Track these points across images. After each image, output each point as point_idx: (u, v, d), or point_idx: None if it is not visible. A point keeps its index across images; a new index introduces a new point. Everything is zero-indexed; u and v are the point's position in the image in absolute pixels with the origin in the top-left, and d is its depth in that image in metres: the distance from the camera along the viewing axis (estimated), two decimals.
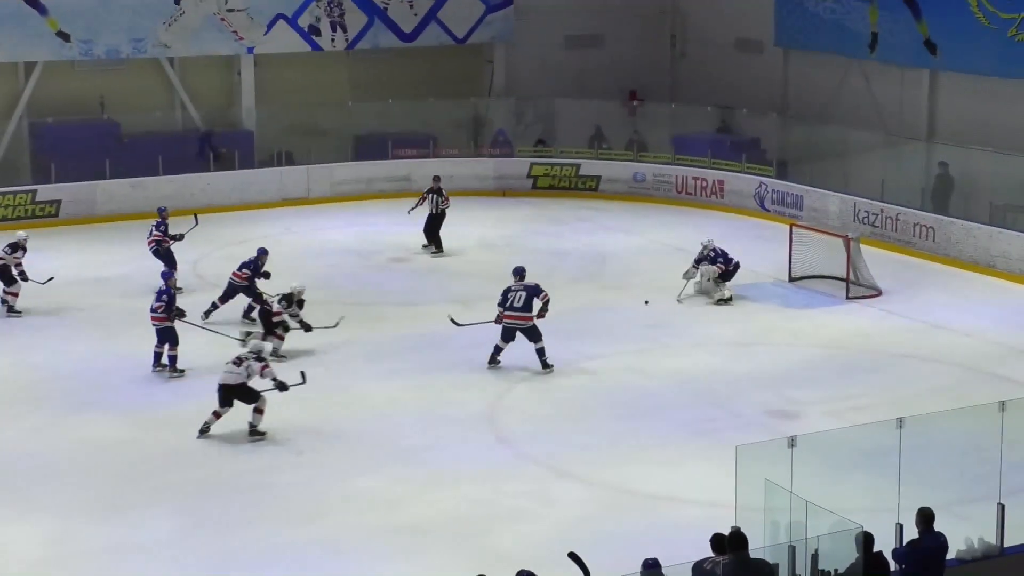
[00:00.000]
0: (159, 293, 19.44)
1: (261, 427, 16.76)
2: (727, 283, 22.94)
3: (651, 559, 10.78)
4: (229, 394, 16.67)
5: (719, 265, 22.93)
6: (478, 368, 19.30)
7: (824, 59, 31.05)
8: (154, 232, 23.75)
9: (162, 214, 24.16)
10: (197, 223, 24.39)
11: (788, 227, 24.64)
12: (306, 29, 32.13)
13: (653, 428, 17.05)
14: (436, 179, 26.80)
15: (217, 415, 16.70)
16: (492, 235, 27.64)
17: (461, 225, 27.02)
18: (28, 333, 21.13)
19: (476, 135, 33.68)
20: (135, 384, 18.73)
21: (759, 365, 19.53)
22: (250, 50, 31.82)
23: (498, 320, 19.52)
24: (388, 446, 16.51)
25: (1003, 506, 12.30)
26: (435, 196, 26.46)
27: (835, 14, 30.25)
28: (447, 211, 26.38)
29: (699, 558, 11.10)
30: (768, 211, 28.74)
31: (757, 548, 11.07)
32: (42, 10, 29.48)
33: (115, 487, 15.31)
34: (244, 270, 21.64)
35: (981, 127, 26.97)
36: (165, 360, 19.20)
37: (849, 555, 11.17)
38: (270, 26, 31.71)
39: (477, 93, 34.50)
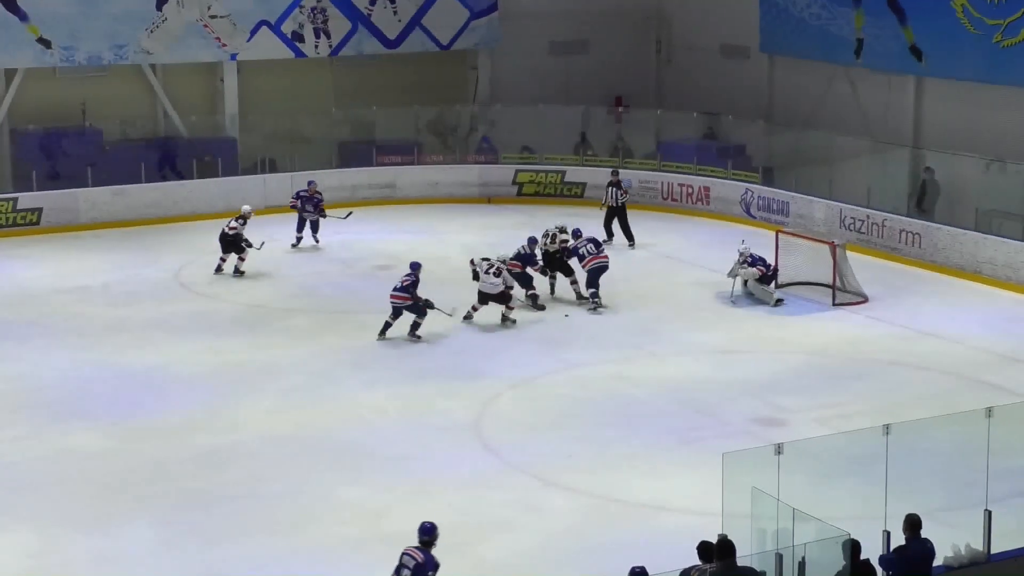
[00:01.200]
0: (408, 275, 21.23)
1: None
2: (770, 286, 23.07)
3: (638, 567, 10.80)
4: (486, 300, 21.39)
5: (759, 268, 23.02)
6: (464, 376, 19.32)
7: (810, 65, 31.14)
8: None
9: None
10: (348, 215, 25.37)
11: (774, 234, 24.67)
12: (289, 36, 32.12)
13: (640, 436, 17.07)
14: (614, 172, 27.58)
15: (476, 309, 21.44)
16: (477, 242, 27.60)
17: (445, 232, 27.05)
18: (9, 342, 21.05)
19: (460, 142, 33.69)
20: (117, 394, 18.69)
21: (746, 373, 19.56)
22: (233, 57, 31.81)
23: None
24: (374, 455, 16.50)
25: (990, 513, 12.33)
26: (614, 189, 27.18)
27: (820, 20, 30.33)
28: (625, 203, 27.28)
29: (686, 566, 11.12)
30: (754, 218, 28.80)
31: (744, 556, 11.10)
32: (23, 16, 29.44)
33: (97, 498, 15.27)
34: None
35: (967, 133, 27.07)
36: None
37: (836, 562, 11.21)
38: (253, 32, 31.70)
39: (461, 100, 34.53)
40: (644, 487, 15.45)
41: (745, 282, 23.41)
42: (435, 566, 11.56)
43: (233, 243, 24.80)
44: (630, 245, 27.04)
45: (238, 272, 24.83)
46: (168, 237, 28.16)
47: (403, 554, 11.65)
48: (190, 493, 15.38)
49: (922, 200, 27.05)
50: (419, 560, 11.57)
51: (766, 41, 32.21)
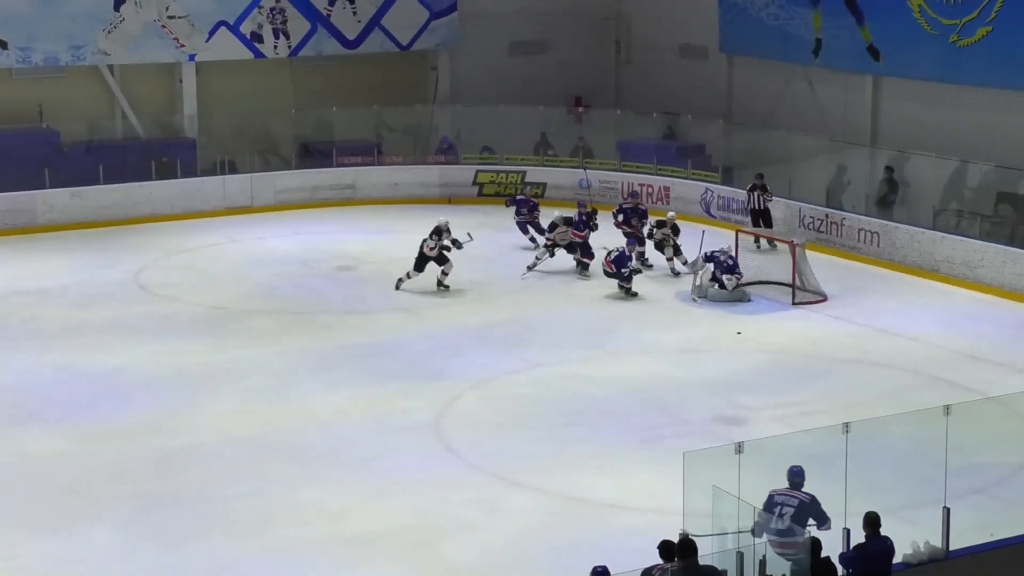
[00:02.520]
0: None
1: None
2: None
3: (600, 567, 10.81)
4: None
5: (737, 276, 23.07)
6: (425, 376, 19.31)
7: (768, 65, 31.28)
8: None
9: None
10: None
11: (734, 233, 24.77)
12: (248, 36, 32.01)
13: (601, 436, 17.10)
14: (759, 176, 27.42)
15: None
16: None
17: (406, 233, 26.98)
18: None
19: (421, 142, 33.66)
20: (77, 396, 18.58)
21: (706, 371, 19.63)
22: (191, 57, 31.68)
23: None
24: (335, 456, 16.47)
25: (948, 510, 12.42)
26: (758, 194, 27.06)
27: (779, 20, 30.48)
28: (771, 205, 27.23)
29: (648, 565, 11.15)
30: (714, 217, 28.90)
31: (705, 554, 11.14)
32: None
33: (56, 501, 15.17)
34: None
35: (924, 132, 27.26)
36: None
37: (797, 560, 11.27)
38: (212, 33, 31.57)
39: (422, 100, 34.50)
40: (605, 486, 15.48)
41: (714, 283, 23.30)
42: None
43: (437, 259, 23.80)
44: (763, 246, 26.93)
45: (442, 286, 23.76)
46: (127, 239, 28.02)
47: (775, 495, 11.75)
48: (151, 495, 15.30)
49: (885, 199, 27.20)
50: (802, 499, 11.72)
51: (725, 41, 32.33)
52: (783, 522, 11.70)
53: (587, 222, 25.10)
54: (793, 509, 11.79)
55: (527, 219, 27.25)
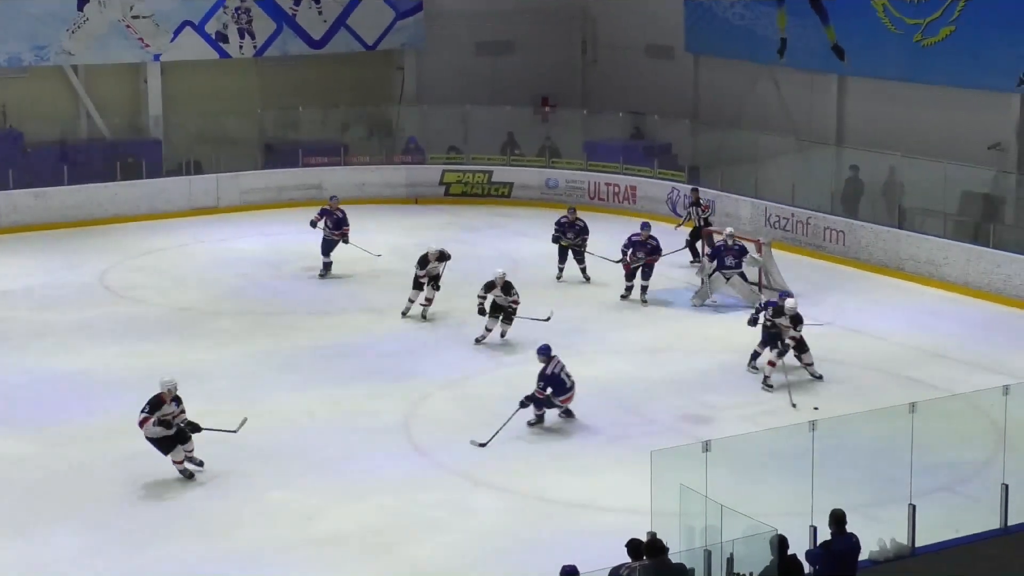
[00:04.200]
0: None
1: None
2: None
3: (569, 566, 10.87)
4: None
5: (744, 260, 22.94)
6: (393, 377, 19.32)
7: (734, 65, 31.39)
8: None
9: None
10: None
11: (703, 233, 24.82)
12: (213, 36, 31.93)
13: (569, 435, 17.15)
14: (695, 190, 26.71)
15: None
16: (404, 243, 27.55)
17: (372, 233, 26.99)
18: None
19: (387, 142, 33.63)
20: (41, 399, 18.50)
21: (673, 371, 19.70)
22: (156, 57, 31.57)
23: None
24: (302, 457, 16.46)
25: (914, 507, 12.53)
26: (696, 209, 26.15)
27: (744, 20, 30.59)
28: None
29: (616, 564, 11.20)
30: (680, 216, 28.92)
31: (673, 553, 11.21)
32: None
33: (20, 504, 15.12)
34: None
35: (889, 131, 27.42)
36: None
37: (764, 558, 11.34)
38: (176, 33, 31.47)
39: (388, 100, 34.48)
40: (573, 486, 15.53)
41: (727, 279, 23.12)
42: None
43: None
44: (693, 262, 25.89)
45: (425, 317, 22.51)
46: (92, 240, 27.89)
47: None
48: (116, 497, 15.27)
49: (850, 198, 27.35)
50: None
51: (691, 41, 32.43)
52: None
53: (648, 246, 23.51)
54: None
55: (580, 245, 25.05)
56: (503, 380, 19.28)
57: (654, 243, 23.59)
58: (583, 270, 24.77)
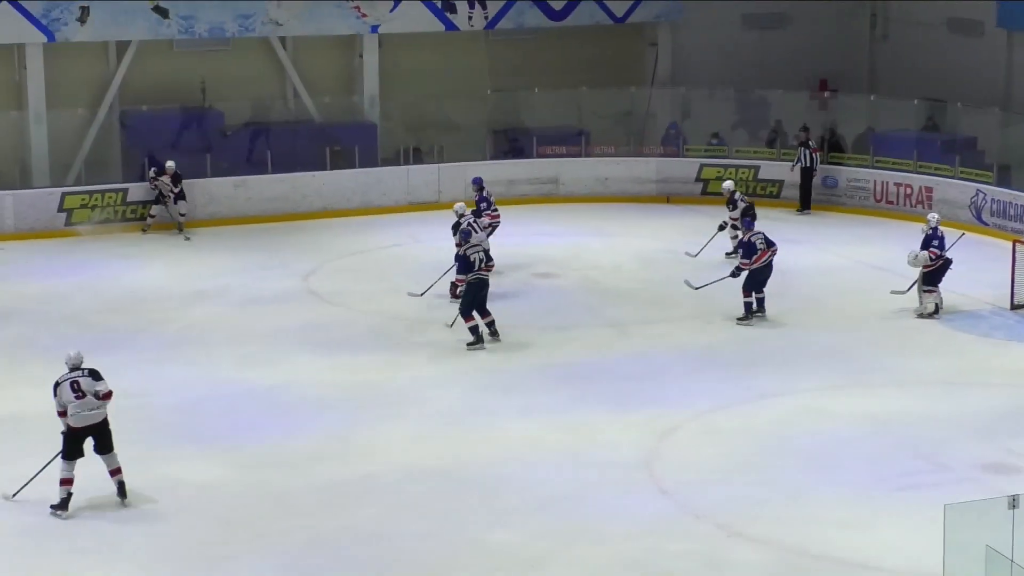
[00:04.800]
0: None
1: None
2: (936, 287, 22.88)
3: None
4: None
5: (932, 250, 22.73)
6: (634, 404, 19.31)
7: None
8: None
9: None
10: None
11: (1011, 244, 24.27)
12: (439, 5, 32.45)
13: (844, 482, 16.89)
14: (804, 129, 29.36)
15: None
16: (652, 248, 27.62)
17: (617, 236, 27.10)
18: (115, 353, 21.52)
19: (635, 131, 33.71)
20: (236, 415, 19.02)
21: (973, 409, 19.26)
22: (374, 29, 32.23)
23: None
24: (528, 494, 16.56)
25: None
26: (804, 150, 28.63)
27: None
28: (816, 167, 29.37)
29: None
30: (986, 224, 28.35)
31: None
32: None
33: (210, 535, 15.54)
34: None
35: None
36: None
37: None
38: (397, 1, 32.07)
39: (637, 81, 34.55)
40: (847, 541, 15.29)
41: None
42: None
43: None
44: (802, 211, 29.04)
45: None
46: (296, 236, 28.66)
47: None
48: (317, 532, 15.59)
49: None
50: None
51: (1005, 14, 31.72)
52: None
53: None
54: None
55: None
56: (763, 413, 19.12)
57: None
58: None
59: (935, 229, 23.28)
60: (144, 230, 28.79)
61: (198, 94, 31.48)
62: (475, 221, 23.82)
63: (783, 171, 31.24)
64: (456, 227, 23.49)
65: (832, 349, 21.74)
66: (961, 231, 25.64)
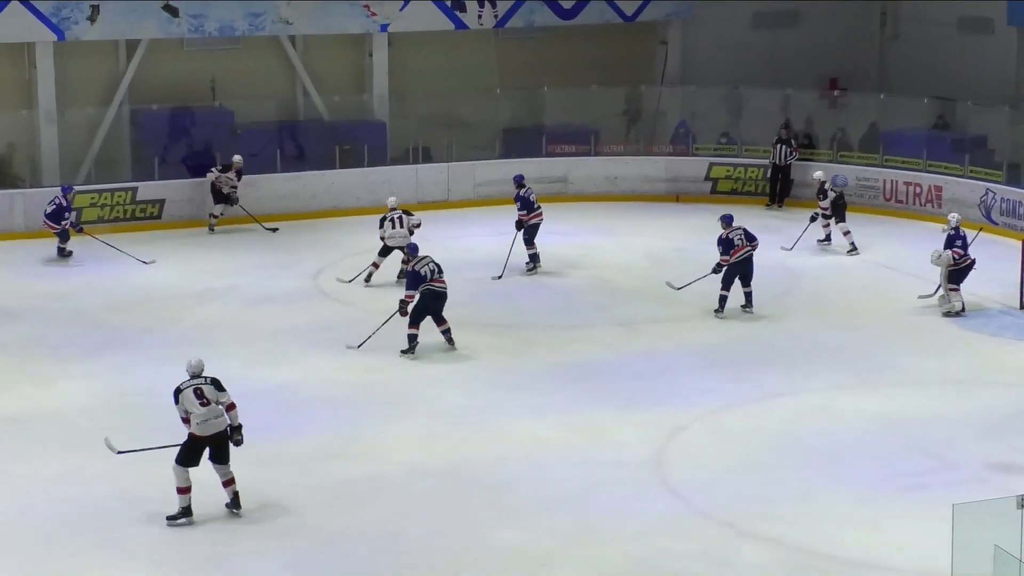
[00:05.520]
0: None
1: None
2: (959, 286, 22.90)
3: None
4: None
5: (956, 250, 22.76)
6: (643, 403, 19.28)
7: None
8: None
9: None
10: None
11: (1020, 243, 24.20)
12: (449, 4, 32.43)
13: (850, 480, 16.85)
14: (785, 126, 30.29)
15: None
16: (662, 247, 27.59)
17: (626, 235, 27.08)
18: (123, 352, 21.59)
19: (645, 130, 33.67)
20: (244, 414, 18.76)
21: (982, 408, 19.21)
22: (384, 27, 32.22)
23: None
24: (536, 493, 16.54)
25: None
26: (782, 146, 29.51)
27: None
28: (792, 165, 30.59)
29: None
30: (996, 224, 28.27)
31: None
32: None
33: (217, 534, 15.53)
34: None
35: None
36: None
37: None
38: (407, 0, 32.05)
39: (648, 80, 34.50)
40: (856, 541, 15.25)
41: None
42: None
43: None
44: (773, 206, 30.27)
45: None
46: (305, 235, 28.65)
47: None
48: (324, 531, 15.58)
49: None
50: None
51: (1015, 13, 31.64)
52: None
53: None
54: None
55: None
56: (772, 412, 19.10)
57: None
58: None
59: (956, 229, 23.28)
60: (211, 230, 28.81)
61: (208, 93, 31.49)
62: (401, 217, 24.78)
63: (793, 169, 31.14)
64: (383, 220, 24.82)
65: (840, 348, 21.69)
66: (979, 228, 25.54)
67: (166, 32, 30.67)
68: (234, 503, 15.79)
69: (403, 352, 21.25)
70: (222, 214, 28.92)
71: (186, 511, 15.54)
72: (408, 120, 32.38)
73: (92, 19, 29.86)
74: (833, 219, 27.15)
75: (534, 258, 25.71)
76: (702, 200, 31.30)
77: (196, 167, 29.74)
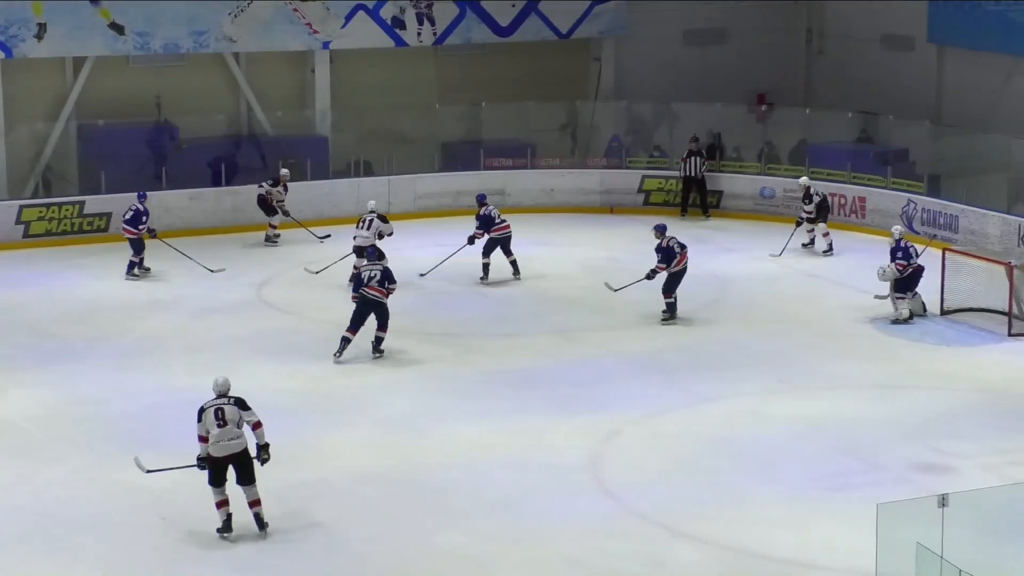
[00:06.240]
0: None
1: None
2: (906, 294, 23.16)
3: None
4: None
5: (899, 262, 22.96)
6: (580, 409, 19.33)
7: (985, 58, 30.80)
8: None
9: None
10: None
11: (940, 252, 24.42)
12: (389, 21, 32.44)
13: (780, 482, 16.95)
14: (694, 140, 30.60)
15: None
16: (596, 257, 27.67)
17: (562, 245, 27.15)
18: (71, 362, 21.45)
19: (580, 143, 33.77)
20: (191, 422, 18.86)
21: (905, 411, 19.35)
22: (325, 45, 32.19)
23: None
24: (475, 497, 16.56)
25: None
26: (695, 158, 30.06)
27: (1000, 5, 30.01)
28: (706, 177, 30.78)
29: None
30: (917, 233, 28.46)
31: None
32: None
33: (168, 538, 15.48)
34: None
35: None
36: None
37: None
38: (348, 18, 32.07)
39: (582, 95, 34.60)
40: (786, 541, 15.34)
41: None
42: None
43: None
44: (686, 216, 30.30)
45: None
46: (249, 247, 28.55)
47: None
48: (270, 535, 15.54)
49: None
50: None
51: (935, 30, 31.92)
52: None
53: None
54: None
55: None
56: (704, 417, 19.19)
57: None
58: None
59: (898, 241, 23.44)
60: (273, 240, 28.81)
61: (154, 108, 31.35)
62: (372, 220, 24.96)
63: (722, 182, 31.33)
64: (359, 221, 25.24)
65: (770, 354, 21.82)
66: (927, 242, 25.75)
67: (112, 49, 30.54)
68: (259, 524, 15.42)
69: (335, 354, 21.31)
70: (277, 226, 28.97)
71: (227, 524, 15.31)
72: (350, 134, 32.35)
73: (39, 37, 29.72)
74: (817, 222, 27.45)
75: (486, 268, 25.87)
76: (635, 212, 31.41)
77: (141, 182, 29.58)
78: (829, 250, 27.45)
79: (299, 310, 24.27)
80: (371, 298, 21.38)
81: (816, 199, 27.62)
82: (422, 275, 25.55)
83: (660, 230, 23.47)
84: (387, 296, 21.46)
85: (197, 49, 31.21)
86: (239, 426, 15.42)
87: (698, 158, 30.56)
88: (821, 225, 27.65)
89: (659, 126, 33.60)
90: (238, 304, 24.61)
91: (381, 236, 24.66)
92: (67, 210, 29.00)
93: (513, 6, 33.27)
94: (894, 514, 11.74)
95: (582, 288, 25.42)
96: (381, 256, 22.74)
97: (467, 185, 31.50)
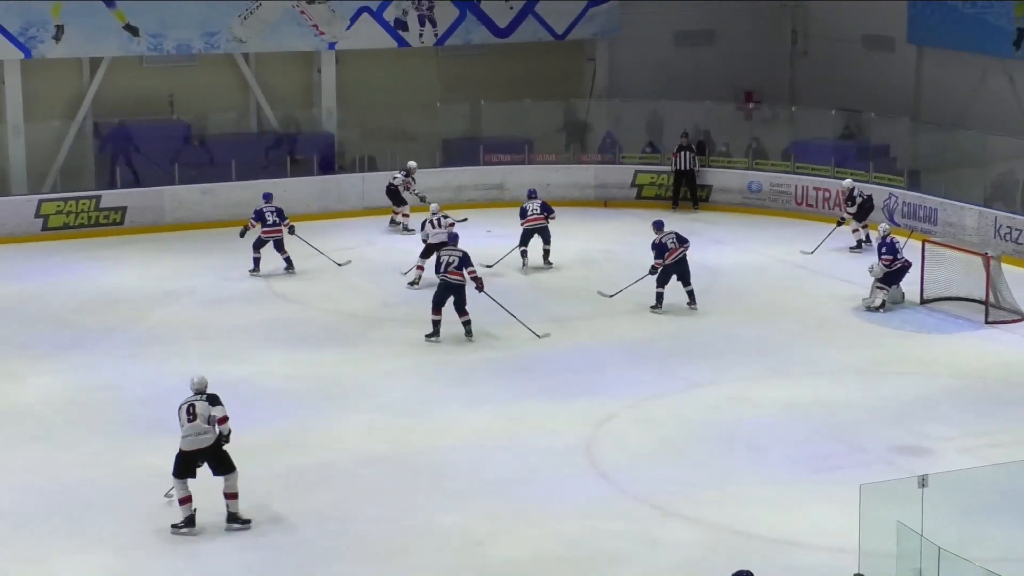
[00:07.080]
0: None
1: None
2: (888, 286, 23.14)
3: (744, 571, 10.76)
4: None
5: (884, 258, 22.94)
6: (576, 394, 19.30)
7: (962, 58, 30.75)
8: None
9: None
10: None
11: (920, 244, 24.38)
12: (392, 23, 32.37)
13: (768, 465, 16.93)
14: (684, 135, 30.50)
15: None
16: (591, 249, 27.64)
17: (558, 238, 27.03)
18: (89, 350, 21.42)
19: (575, 139, 33.72)
20: None
21: (887, 396, 19.32)
22: (331, 46, 32.13)
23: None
24: (474, 479, 16.54)
25: None
26: (685, 152, 29.99)
27: (976, 8, 29.94)
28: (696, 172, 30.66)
29: None
30: (898, 225, 28.42)
31: None
32: (109, 1, 29.98)
33: (177, 519, 15.41)
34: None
35: None
36: None
37: None
38: (353, 20, 32.00)
39: (577, 94, 34.55)
40: (772, 520, 15.31)
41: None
42: None
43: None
44: (677, 209, 30.30)
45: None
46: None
47: None
48: (278, 516, 15.52)
49: None
50: None
51: (914, 31, 31.86)
52: None
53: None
54: None
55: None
56: (695, 401, 19.17)
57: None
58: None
59: (884, 237, 23.40)
60: (406, 228, 28.74)
61: (167, 107, 31.31)
62: (440, 219, 24.81)
63: (712, 176, 31.28)
64: (424, 223, 25.02)
65: (758, 342, 21.79)
66: (908, 233, 25.66)
67: (127, 50, 30.50)
68: (229, 518, 15.18)
69: (427, 336, 21.47)
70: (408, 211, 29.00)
71: (189, 520, 15.08)
72: (354, 132, 32.32)
73: (57, 38, 29.65)
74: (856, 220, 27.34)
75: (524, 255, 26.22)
76: (628, 205, 31.35)
77: (154, 176, 29.56)
78: (857, 247, 27.12)
79: (308, 300, 24.21)
80: (451, 282, 21.49)
81: (859, 200, 27.22)
82: (488, 266, 25.28)
83: (657, 226, 23.44)
84: (467, 280, 21.58)
85: (208, 50, 31.16)
86: (208, 422, 15.20)
87: (688, 153, 30.49)
88: (856, 223, 27.34)
89: (651, 123, 33.50)
90: (249, 294, 24.57)
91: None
92: (84, 204, 28.95)
93: (511, 8, 33.21)
94: (876, 494, 11.71)
95: (577, 279, 25.39)
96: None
97: (467, 180, 31.50)
